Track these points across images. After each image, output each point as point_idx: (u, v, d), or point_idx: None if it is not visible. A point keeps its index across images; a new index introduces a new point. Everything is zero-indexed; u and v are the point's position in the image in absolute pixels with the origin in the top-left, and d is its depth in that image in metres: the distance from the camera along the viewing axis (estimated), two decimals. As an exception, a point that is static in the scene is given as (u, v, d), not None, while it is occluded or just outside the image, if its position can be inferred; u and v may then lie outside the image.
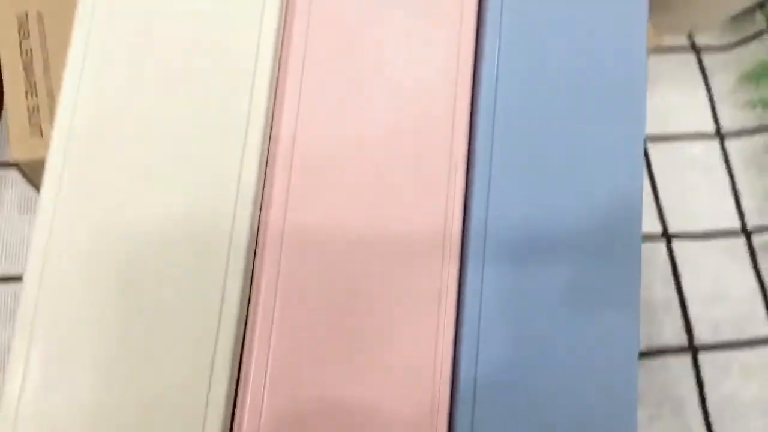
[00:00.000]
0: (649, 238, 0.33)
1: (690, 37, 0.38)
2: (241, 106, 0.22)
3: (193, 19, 0.23)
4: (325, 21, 0.23)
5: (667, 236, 0.33)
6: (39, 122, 0.26)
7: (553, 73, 0.24)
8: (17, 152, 0.26)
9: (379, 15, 0.24)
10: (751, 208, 0.34)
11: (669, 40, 0.37)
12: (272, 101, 0.23)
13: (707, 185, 0.34)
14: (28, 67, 0.27)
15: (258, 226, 0.21)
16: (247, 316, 0.21)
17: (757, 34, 0.37)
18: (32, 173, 0.27)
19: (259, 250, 0.21)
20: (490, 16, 0.24)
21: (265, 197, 0.22)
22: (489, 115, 0.24)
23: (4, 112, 0.27)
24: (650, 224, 0.33)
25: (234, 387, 0.20)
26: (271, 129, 0.22)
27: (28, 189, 0.29)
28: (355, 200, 0.22)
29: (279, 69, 0.23)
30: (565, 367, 0.22)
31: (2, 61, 0.27)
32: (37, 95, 0.27)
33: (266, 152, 0.22)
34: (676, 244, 0.33)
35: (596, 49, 0.25)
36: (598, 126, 0.24)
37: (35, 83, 0.27)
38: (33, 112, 0.26)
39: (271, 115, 0.22)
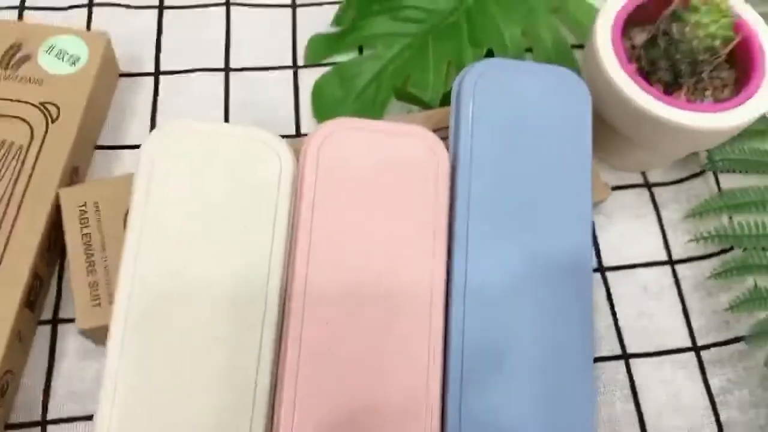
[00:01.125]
0: (610, 359, 0.38)
1: (643, 174, 0.44)
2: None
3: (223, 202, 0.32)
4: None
5: (625, 356, 0.38)
6: (99, 295, 0.33)
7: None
8: (81, 323, 0.32)
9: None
10: (700, 328, 0.39)
11: (625, 178, 0.43)
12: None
13: (660, 308, 0.40)
14: (88, 249, 0.34)
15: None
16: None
17: (701, 172, 0.43)
18: (93, 335, 0.33)
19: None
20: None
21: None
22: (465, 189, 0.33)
23: (70, 288, 0.33)
24: (611, 347, 0.38)
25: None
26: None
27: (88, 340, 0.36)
28: (361, 265, 0.31)
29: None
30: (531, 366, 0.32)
31: (67, 245, 0.34)
32: (96, 272, 0.33)
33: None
34: (634, 363, 0.38)
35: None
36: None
37: (94, 262, 0.33)
38: (93, 287, 0.33)
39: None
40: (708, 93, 0.38)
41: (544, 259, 0.33)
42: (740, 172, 0.42)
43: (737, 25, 0.37)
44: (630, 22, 0.39)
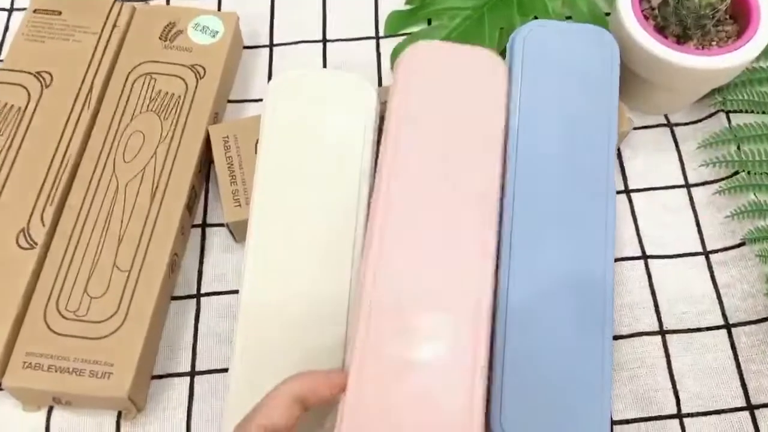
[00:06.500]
0: (631, 259, 0.47)
1: (666, 116, 0.52)
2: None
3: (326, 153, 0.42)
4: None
5: (645, 257, 0.47)
6: (239, 199, 0.45)
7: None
8: (228, 217, 0.44)
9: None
10: (709, 236, 0.48)
11: (651, 120, 0.52)
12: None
13: (676, 221, 0.49)
14: (230, 167, 0.46)
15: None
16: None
17: (715, 113, 0.52)
18: (235, 229, 0.45)
19: None
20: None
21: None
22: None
23: (217, 196, 0.46)
24: (632, 250, 0.48)
25: None
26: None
27: (228, 238, 0.48)
28: None
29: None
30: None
31: (216, 164, 0.46)
32: (236, 183, 0.45)
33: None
34: (651, 262, 0.47)
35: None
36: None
37: (235, 176, 0.45)
38: (235, 193, 0.45)
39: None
40: (714, 44, 0.47)
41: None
42: (747, 111, 0.50)
43: (734, -14, 0.46)
44: (648, -12, 0.48)
